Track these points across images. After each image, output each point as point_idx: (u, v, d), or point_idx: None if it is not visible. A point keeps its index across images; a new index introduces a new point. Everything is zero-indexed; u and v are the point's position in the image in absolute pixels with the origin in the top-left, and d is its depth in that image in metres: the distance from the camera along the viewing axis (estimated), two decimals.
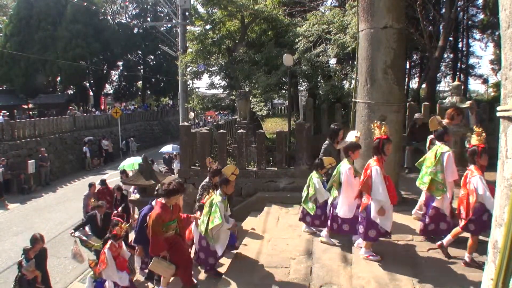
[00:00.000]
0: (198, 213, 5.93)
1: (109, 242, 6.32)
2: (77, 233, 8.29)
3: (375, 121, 5.26)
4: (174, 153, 16.14)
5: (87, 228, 8.54)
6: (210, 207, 5.27)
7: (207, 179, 6.70)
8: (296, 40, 12.32)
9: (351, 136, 5.46)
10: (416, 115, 9.76)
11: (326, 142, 6.52)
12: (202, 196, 6.25)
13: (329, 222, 5.54)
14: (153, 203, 6.04)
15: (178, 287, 5.48)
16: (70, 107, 29.61)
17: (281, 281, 4.71)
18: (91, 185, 10.95)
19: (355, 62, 7.37)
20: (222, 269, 5.59)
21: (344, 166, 5.24)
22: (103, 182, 11.22)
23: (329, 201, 5.57)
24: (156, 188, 6.75)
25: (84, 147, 23.42)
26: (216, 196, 5.34)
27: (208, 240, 5.37)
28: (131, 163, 13.86)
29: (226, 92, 16.73)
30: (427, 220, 5.18)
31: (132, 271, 7.07)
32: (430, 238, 5.30)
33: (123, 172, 12.82)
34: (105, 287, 6.52)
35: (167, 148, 17.36)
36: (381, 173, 4.63)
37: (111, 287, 6.35)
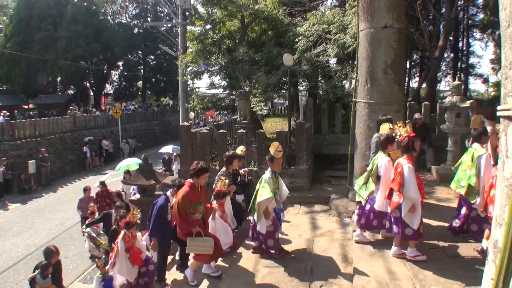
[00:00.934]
0: (215, 202, 5.87)
1: (122, 232, 6.16)
2: (88, 229, 8.22)
3: (398, 121, 5.23)
4: (174, 154, 15.99)
5: (100, 226, 8.52)
6: (259, 184, 5.19)
7: (223, 168, 6.62)
8: (296, 40, 12.32)
9: (385, 129, 5.39)
10: (416, 115, 9.76)
11: (376, 135, 6.32)
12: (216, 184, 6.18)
13: (356, 217, 5.49)
14: (168, 193, 6.05)
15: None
16: (71, 107, 29.62)
17: (281, 280, 4.70)
18: (86, 189, 10.63)
19: (355, 62, 7.37)
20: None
21: (382, 159, 5.17)
22: (102, 184, 10.95)
23: (364, 196, 5.43)
24: (173, 180, 6.82)
25: (84, 147, 23.44)
26: (265, 173, 5.27)
27: (253, 215, 5.30)
28: (127, 164, 13.65)
29: (226, 92, 16.73)
30: (460, 221, 5.27)
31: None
32: (460, 236, 5.35)
33: (128, 172, 12.44)
34: (114, 286, 6.45)
35: (167, 149, 17.20)
36: (413, 170, 4.59)
37: (121, 281, 6.24)
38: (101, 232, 8.42)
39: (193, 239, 4.93)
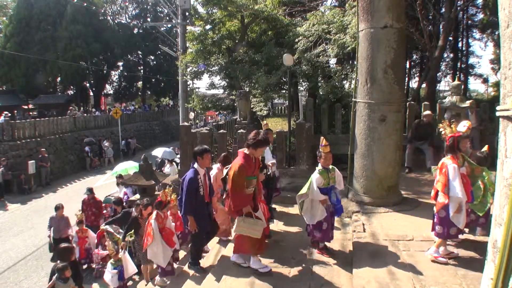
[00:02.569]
0: (224, 170, 5.46)
1: (154, 212, 6.03)
2: (106, 226, 8.06)
3: (443, 120, 5.19)
4: (167, 159, 15.48)
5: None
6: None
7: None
8: (296, 40, 12.32)
9: (461, 127, 5.33)
10: (426, 112, 9.74)
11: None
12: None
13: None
14: (195, 165, 5.62)
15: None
16: (70, 107, 29.64)
17: (281, 280, 4.71)
18: (58, 208, 9.36)
19: (355, 62, 7.37)
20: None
21: (447, 161, 5.14)
22: (90, 190, 10.41)
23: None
24: (174, 180, 6.75)
25: (86, 147, 23.49)
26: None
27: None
28: (125, 168, 13.47)
29: (226, 92, 16.74)
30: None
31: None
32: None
33: (120, 177, 12.09)
34: (125, 275, 6.43)
35: (158, 152, 16.87)
36: (458, 170, 4.54)
37: (132, 270, 6.19)
38: (121, 230, 8.28)
39: (243, 219, 4.63)
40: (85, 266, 9.06)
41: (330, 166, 5.17)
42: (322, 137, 5.24)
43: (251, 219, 4.63)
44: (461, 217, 4.61)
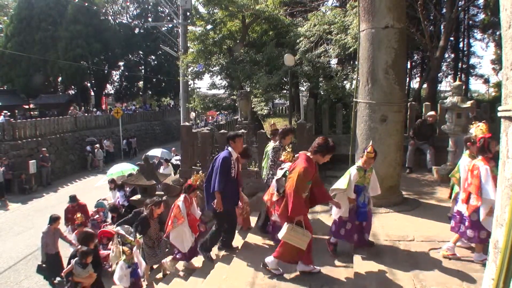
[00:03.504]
0: (279, 171, 5.00)
1: (182, 195, 6.00)
2: (118, 228, 7.87)
3: (474, 121, 5.13)
4: (164, 158, 15.47)
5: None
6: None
7: (276, 143, 6.13)
8: (298, 41, 12.32)
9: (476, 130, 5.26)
10: (430, 113, 9.73)
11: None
12: (276, 158, 5.83)
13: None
14: (229, 148, 5.64)
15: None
16: (71, 107, 29.64)
17: (282, 280, 4.70)
18: (55, 220, 8.52)
19: (356, 62, 7.37)
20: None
21: (464, 160, 5.04)
22: (73, 199, 10.06)
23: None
24: (175, 180, 6.62)
25: (87, 147, 23.53)
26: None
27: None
28: (120, 170, 13.29)
29: (227, 92, 16.74)
30: None
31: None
32: None
33: (112, 181, 11.68)
34: (139, 272, 6.40)
35: (156, 152, 16.74)
36: (490, 172, 4.39)
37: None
38: (132, 230, 8.19)
39: (293, 227, 4.41)
40: None
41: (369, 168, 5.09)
42: (371, 145, 5.15)
43: (300, 229, 4.44)
44: (492, 221, 4.50)
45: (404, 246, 5.17)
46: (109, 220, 10.34)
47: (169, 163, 14.50)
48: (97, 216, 10.40)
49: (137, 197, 9.90)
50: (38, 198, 16.86)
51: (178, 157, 15.72)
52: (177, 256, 6.21)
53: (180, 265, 6.55)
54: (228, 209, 5.67)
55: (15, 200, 16.34)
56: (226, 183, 5.46)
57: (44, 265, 8.50)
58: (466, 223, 4.69)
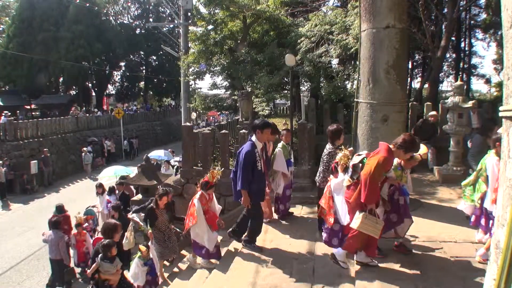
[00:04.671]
0: (356, 157, 4.74)
1: (199, 192, 5.85)
2: (133, 215, 7.56)
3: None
4: (164, 159, 15.32)
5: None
6: None
7: (329, 145, 5.88)
8: (299, 41, 12.32)
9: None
10: (431, 113, 9.72)
11: None
12: (331, 161, 5.52)
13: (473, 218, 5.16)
14: (253, 138, 5.47)
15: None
16: (73, 107, 29.71)
17: (283, 281, 4.70)
18: (59, 222, 8.38)
19: (357, 62, 7.36)
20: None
21: (491, 159, 4.94)
22: (59, 209, 9.36)
23: (476, 197, 5.09)
24: (175, 180, 6.47)
25: (88, 147, 23.55)
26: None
27: None
28: (113, 173, 12.94)
29: (228, 92, 16.76)
30: None
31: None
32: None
33: (100, 186, 11.04)
34: (156, 269, 6.29)
35: (158, 153, 16.60)
36: None
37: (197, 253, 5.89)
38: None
39: (367, 215, 4.30)
40: (79, 270, 8.91)
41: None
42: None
43: (373, 217, 4.33)
44: None
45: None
46: (99, 228, 9.92)
47: (170, 165, 14.47)
48: (86, 224, 9.72)
49: (138, 197, 9.92)
50: (40, 198, 16.89)
51: (177, 158, 15.73)
52: (203, 253, 6.02)
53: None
54: (256, 204, 5.50)
55: (16, 200, 16.37)
56: (252, 177, 5.27)
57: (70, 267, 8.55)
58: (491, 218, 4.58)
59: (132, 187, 11.52)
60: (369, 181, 4.17)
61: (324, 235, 5.28)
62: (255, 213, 5.61)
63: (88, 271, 5.11)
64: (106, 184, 11.62)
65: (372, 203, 4.31)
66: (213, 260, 6.10)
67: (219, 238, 7.17)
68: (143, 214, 7.15)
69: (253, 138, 5.43)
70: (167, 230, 6.69)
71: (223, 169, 7.24)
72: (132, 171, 13.22)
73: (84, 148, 22.27)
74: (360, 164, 4.51)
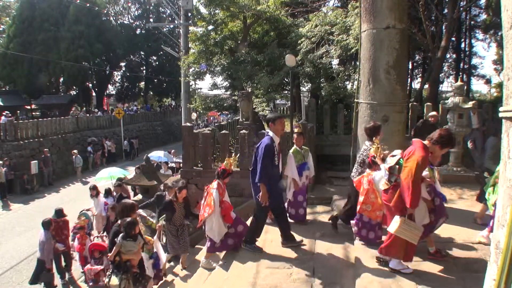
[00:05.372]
0: (391, 158, 4.58)
1: (215, 181, 5.72)
2: (140, 210, 7.34)
3: None
4: (164, 161, 15.18)
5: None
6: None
7: (368, 142, 5.68)
8: (299, 41, 12.33)
9: None
10: (432, 113, 9.72)
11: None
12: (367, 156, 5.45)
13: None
14: (270, 133, 5.32)
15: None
16: (73, 107, 29.71)
17: (283, 281, 4.70)
18: (49, 223, 8.32)
19: (358, 63, 7.37)
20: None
21: None
22: (59, 213, 8.77)
23: (492, 201, 4.96)
24: (176, 180, 6.31)
25: (88, 147, 23.56)
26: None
27: None
28: (108, 175, 12.55)
29: (229, 93, 16.76)
30: None
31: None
32: None
33: (94, 188, 10.53)
34: (161, 263, 6.22)
35: (158, 154, 16.52)
36: None
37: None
38: (154, 214, 7.90)
39: (405, 220, 4.10)
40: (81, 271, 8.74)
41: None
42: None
43: (412, 222, 4.15)
44: None
45: None
46: (94, 232, 9.72)
47: (168, 167, 14.41)
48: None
49: (138, 197, 9.92)
50: (40, 199, 16.89)
51: (175, 159, 15.71)
52: (209, 245, 5.90)
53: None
54: (271, 201, 5.31)
55: (17, 201, 16.36)
56: (271, 172, 5.18)
57: (50, 271, 8.26)
58: None
59: (129, 188, 11.49)
60: (411, 185, 3.97)
61: (363, 231, 5.32)
62: (261, 213, 5.52)
63: (110, 254, 4.95)
64: (101, 186, 11.42)
65: (416, 206, 4.11)
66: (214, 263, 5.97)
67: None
68: (148, 211, 7.08)
69: (270, 133, 5.31)
70: (181, 225, 6.57)
71: (238, 155, 7.01)
72: (128, 172, 13.09)
73: (75, 151, 21.51)
74: (397, 166, 4.35)
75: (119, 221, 5.30)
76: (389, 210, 4.42)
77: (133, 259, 4.98)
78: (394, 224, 4.16)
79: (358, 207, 5.32)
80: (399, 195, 4.17)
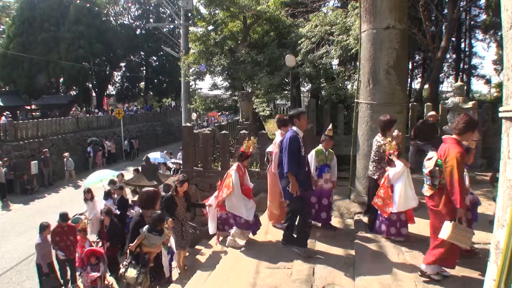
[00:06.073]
0: (428, 162, 4.30)
1: (235, 164, 5.75)
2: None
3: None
4: (161, 161, 15.01)
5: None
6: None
7: (379, 137, 5.69)
8: (299, 42, 12.33)
9: None
10: (431, 113, 9.73)
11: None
12: (380, 152, 5.46)
13: None
14: (294, 128, 5.24)
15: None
16: (73, 108, 29.71)
17: (283, 281, 4.70)
18: (45, 227, 7.92)
19: (358, 63, 7.37)
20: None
21: None
22: (63, 217, 8.17)
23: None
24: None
25: (88, 148, 23.55)
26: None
27: None
28: (99, 179, 12.01)
29: (229, 93, 16.77)
30: None
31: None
32: None
33: (88, 191, 10.08)
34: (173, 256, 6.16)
35: (155, 155, 16.44)
36: None
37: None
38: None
39: (457, 224, 3.85)
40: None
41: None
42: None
43: (462, 225, 3.90)
44: None
45: (406, 247, 5.16)
46: (89, 237, 8.95)
47: (166, 168, 14.37)
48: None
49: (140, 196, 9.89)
50: (40, 199, 16.88)
51: (174, 160, 15.68)
52: (242, 223, 5.75)
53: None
54: (300, 195, 5.14)
55: (17, 201, 16.35)
56: (299, 163, 5.06)
57: (51, 275, 7.95)
58: None
59: (128, 189, 11.41)
60: (457, 183, 3.78)
61: (382, 226, 5.38)
62: (297, 208, 5.26)
63: (132, 244, 4.73)
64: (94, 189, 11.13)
65: (465, 206, 3.98)
66: (241, 242, 5.89)
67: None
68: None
69: (294, 128, 5.24)
70: (184, 219, 6.46)
71: (257, 137, 6.91)
72: (117, 173, 12.79)
73: (66, 154, 20.52)
74: (437, 168, 4.13)
75: (140, 211, 5.15)
76: (436, 215, 4.18)
77: (152, 253, 4.86)
78: (446, 230, 3.86)
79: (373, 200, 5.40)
80: (447, 198, 3.97)
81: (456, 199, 3.80)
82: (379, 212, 5.44)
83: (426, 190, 4.26)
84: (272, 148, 6.20)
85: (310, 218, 5.54)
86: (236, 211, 5.73)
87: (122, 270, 4.76)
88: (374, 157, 5.75)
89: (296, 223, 5.35)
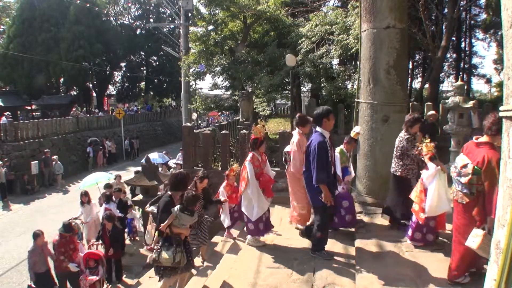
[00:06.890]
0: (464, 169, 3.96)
1: (250, 154, 5.40)
2: (151, 207, 7.20)
3: None
4: (160, 162, 14.70)
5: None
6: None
7: (403, 133, 5.50)
8: (299, 41, 12.33)
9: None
10: (430, 112, 9.72)
11: None
12: (412, 147, 5.26)
13: None
14: (319, 129, 5.05)
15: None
16: (73, 108, 29.69)
17: (284, 281, 4.70)
18: (38, 235, 7.69)
19: (358, 63, 7.37)
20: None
21: None
22: (67, 228, 7.64)
23: None
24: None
25: (88, 148, 23.55)
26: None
27: None
28: (94, 181, 11.75)
29: (229, 93, 16.77)
30: None
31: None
32: None
33: (86, 194, 9.85)
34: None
35: (153, 156, 16.30)
36: None
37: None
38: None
39: (487, 234, 3.46)
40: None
41: None
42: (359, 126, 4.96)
43: (490, 236, 3.53)
44: None
45: (406, 247, 5.15)
46: (84, 243, 9.13)
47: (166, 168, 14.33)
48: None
49: (139, 197, 9.91)
50: (40, 199, 16.89)
51: (174, 160, 15.67)
52: (252, 228, 5.54)
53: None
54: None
55: (17, 201, 16.36)
56: (327, 170, 4.87)
57: (34, 286, 7.52)
58: None
59: (127, 189, 11.40)
60: (496, 194, 3.25)
61: (409, 230, 5.23)
62: (323, 215, 5.10)
63: (163, 224, 4.51)
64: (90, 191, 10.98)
65: (493, 212, 3.57)
66: (262, 238, 5.79)
67: (236, 232, 7.14)
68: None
69: (319, 129, 5.04)
70: (200, 216, 6.24)
71: (267, 123, 6.79)
72: (113, 175, 12.75)
73: (54, 157, 19.32)
74: (475, 177, 3.83)
75: (168, 192, 4.93)
76: (466, 221, 3.97)
77: (182, 234, 4.66)
78: (476, 239, 3.46)
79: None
80: (482, 205, 3.77)
81: (491, 209, 3.56)
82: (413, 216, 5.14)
83: (461, 198, 4.05)
84: (290, 147, 6.04)
85: (331, 223, 5.47)
86: (247, 211, 5.52)
87: (155, 255, 4.55)
88: (396, 153, 5.63)
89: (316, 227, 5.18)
